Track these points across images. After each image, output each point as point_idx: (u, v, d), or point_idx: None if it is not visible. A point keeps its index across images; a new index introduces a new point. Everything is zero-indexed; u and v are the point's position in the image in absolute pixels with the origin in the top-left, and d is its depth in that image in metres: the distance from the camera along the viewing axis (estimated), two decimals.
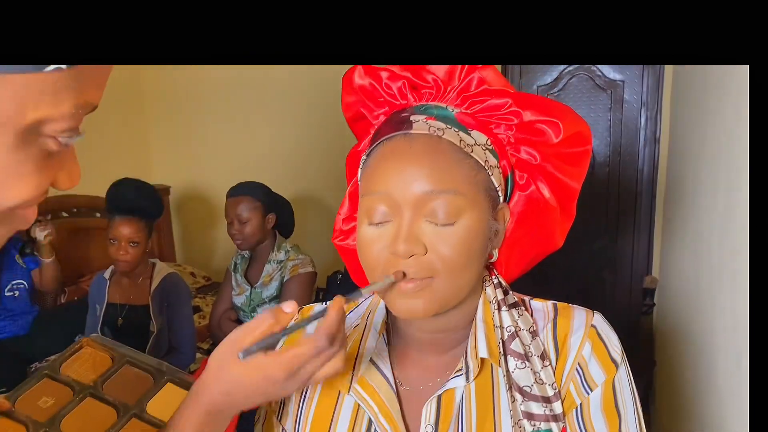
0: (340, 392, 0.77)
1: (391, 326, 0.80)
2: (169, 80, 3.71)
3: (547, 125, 0.70)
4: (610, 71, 2.99)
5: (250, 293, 2.30)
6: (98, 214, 3.14)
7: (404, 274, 0.66)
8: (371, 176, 0.70)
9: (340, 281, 2.75)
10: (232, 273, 2.39)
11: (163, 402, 0.82)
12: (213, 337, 2.51)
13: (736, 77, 1.60)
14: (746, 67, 1.46)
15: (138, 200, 2.14)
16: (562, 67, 3.04)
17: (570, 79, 3.05)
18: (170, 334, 2.18)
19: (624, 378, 0.71)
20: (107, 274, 2.24)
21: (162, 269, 2.26)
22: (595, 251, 3.05)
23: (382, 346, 0.78)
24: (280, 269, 2.30)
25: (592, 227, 3.02)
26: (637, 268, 3.06)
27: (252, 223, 2.24)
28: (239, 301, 2.33)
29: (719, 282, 1.67)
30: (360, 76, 0.76)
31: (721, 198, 1.67)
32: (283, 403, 0.81)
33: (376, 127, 0.76)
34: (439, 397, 0.72)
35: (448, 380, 0.72)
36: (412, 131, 0.69)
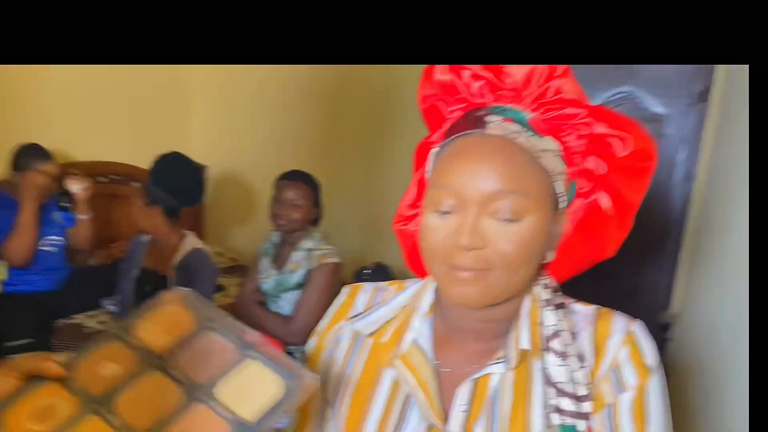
0: (381, 367, 0.81)
1: (437, 311, 0.84)
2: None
3: (617, 139, 0.74)
4: (654, 104, 3.01)
5: (277, 279, 2.35)
6: (135, 183, 3.21)
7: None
8: (443, 169, 0.74)
9: (367, 277, 2.79)
10: (262, 257, 2.44)
11: (239, 384, 0.68)
12: (238, 315, 2.56)
13: None
14: None
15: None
16: (606, 95, 3.06)
17: (614, 107, 3.06)
18: None
19: (656, 386, 0.73)
20: (144, 239, 2.30)
21: (190, 242, 2.29)
22: (614, 281, 3.05)
23: (427, 328, 0.82)
24: (307, 258, 2.35)
25: (617, 257, 3.02)
26: (656, 302, 3.06)
27: (303, 210, 2.31)
28: (266, 285, 2.38)
29: (742, 322, 1.69)
30: (442, 71, 0.80)
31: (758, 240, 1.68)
32: (325, 371, 0.85)
33: (450, 122, 0.80)
34: (475, 381, 0.76)
35: (486, 366, 0.76)
36: (487, 131, 0.72)
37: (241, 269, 3.55)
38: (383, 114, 3.52)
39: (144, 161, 3.18)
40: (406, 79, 3.29)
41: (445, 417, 0.76)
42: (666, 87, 2.98)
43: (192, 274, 2.20)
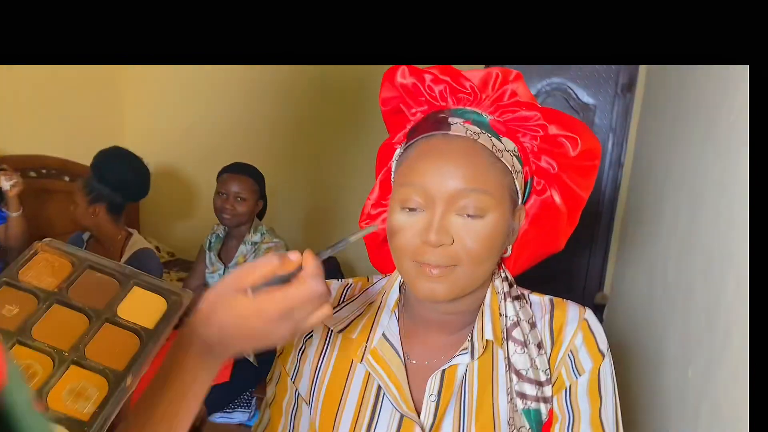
0: (353, 361, 0.84)
1: (403, 306, 0.87)
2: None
3: (568, 139, 0.79)
4: (584, 95, 3.15)
5: (224, 272, 2.34)
6: (67, 178, 3.09)
7: (377, 226, 0.73)
8: (409, 169, 0.77)
9: None
10: (207, 251, 2.42)
11: (133, 305, 0.78)
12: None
13: (704, 110, 1.74)
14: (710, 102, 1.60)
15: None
16: (540, 84, 3.18)
17: (546, 98, 3.18)
18: None
19: (608, 368, 0.80)
20: (85, 236, 2.23)
21: (137, 242, 2.25)
22: (550, 262, 3.20)
23: (394, 323, 0.85)
24: (254, 251, 2.34)
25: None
26: (589, 284, 3.22)
27: (247, 203, 2.29)
28: (212, 279, 2.36)
29: (672, 299, 1.82)
30: (403, 75, 0.83)
31: (683, 222, 1.81)
32: (297, 367, 0.87)
33: (412, 123, 0.84)
34: (444, 372, 0.80)
35: (453, 357, 0.80)
36: (450, 132, 0.76)
37: (179, 263, 3.49)
38: (331, 107, 3.53)
39: (77, 155, 3.08)
40: (354, 76, 3.33)
41: (417, 407, 0.80)
42: (594, 79, 3.13)
43: None
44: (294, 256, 0.65)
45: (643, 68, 3.01)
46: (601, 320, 2.60)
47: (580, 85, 3.15)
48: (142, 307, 0.79)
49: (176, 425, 0.64)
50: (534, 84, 3.19)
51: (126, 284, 0.82)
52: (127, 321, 0.76)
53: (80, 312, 0.77)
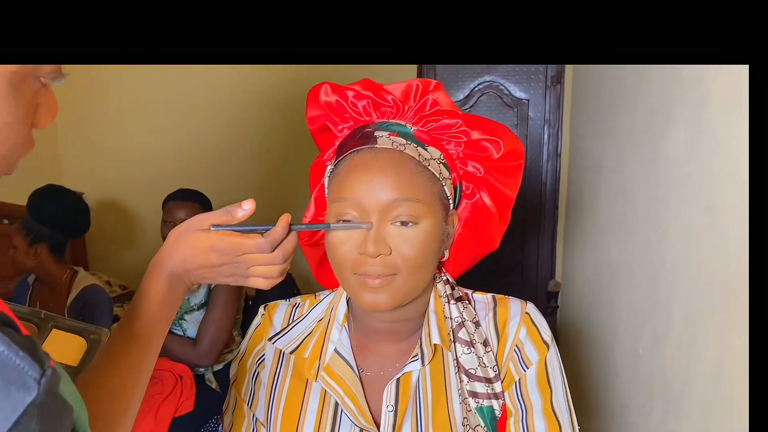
0: (308, 380, 0.85)
1: (351, 319, 0.89)
2: (77, 84, 3.59)
3: (490, 143, 0.82)
4: (516, 90, 3.23)
5: None
6: (6, 221, 2.98)
7: (371, 224, 0.76)
8: (341, 184, 0.79)
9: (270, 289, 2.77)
10: None
11: (53, 347, 0.82)
12: None
13: (625, 99, 1.82)
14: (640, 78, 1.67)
15: None
16: (473, 84, 3.25)
17: (480, 96, 3.25)
18: None
19: (554, 357, 0.83)
20: (30, 279, 2.19)
21: (83, 279, 2.22)
22: (503, 257, 3.26)
23: (345, 337, 0.87)
24: None
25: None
26: (541, 272, 3.30)
27: None
28: None
29: (617, 282, 1.88)
30: (326, 93, 0.85)
31: (620, 206, 1.88)
32: (253, 392, 0.88)
33: (340, 139, 0.85)
34: (398, 380, 0.82)
35: (406, 365, 0.82)
36: (377, 145, 0.78)
37: (132, 296, 3.41)
38: (281, 122, 3.51)
39: (13, 196, 2.97)
40: (292, 82, 3.32)
41: (375, 419, 0.81)
42: (523, 74, 3.22)
43: (88, 311, 2.13)
44: (247, 205, 0.74)
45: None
46: (556, 307, 2.65)
47: (511, 81, 3.23)
48: (63, 347, 0.82)
49: (151, 346, 0.73)
50: (468, 84, 3.25)
51: (44, 328, 0.84)
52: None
53: None
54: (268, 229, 0.73)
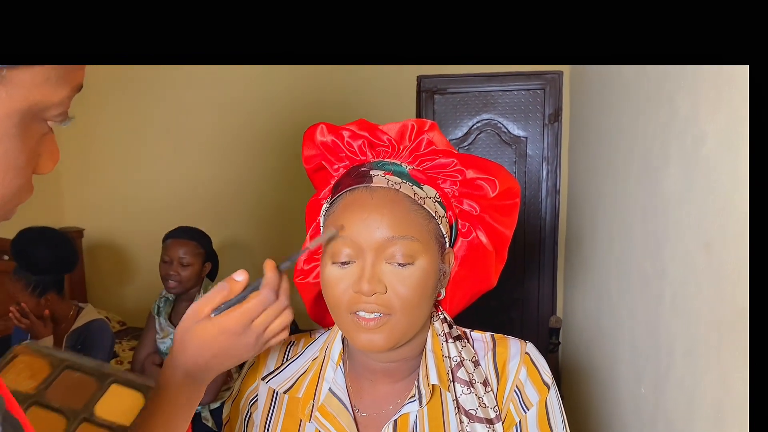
0: (301, 421, 0.83)
1: (347, 358, 0.87)
2: (79, 121, 3.63)
3: (486, 182, 0.82)
4: (514, 128, 3.26)
5: None
6: (6, 257, 2.98)
7: (343, 227, 0.76)
8: (336, 222, 0.79)
9: None
10: (156, 317, 2.36)
11: (110, 403, 0.81)
12: None
13: (625, 138, 1.83)
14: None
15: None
16: (471, 122, 3.28)
17: (479, 134, 3.28)
18: None
19: (554, 398, 0.82)
20: None
21: (89, 313, 2.26)
22: (504, 293, 3.25)
23: (340, 376, 0.85)
24: None
25: (503, 270, 3.22)
26: (542, 309, 3.28)
27: (193, 268, 2.25)
28: (165, 345, 2.30)
29: (618, 318, 1.87)
30: (322, 133, 0.85)
31: (618, 243, 1.88)
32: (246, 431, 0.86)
33: (336, 178, 0.86)
34: (395, 422, 0.80)
35: (403, 406, 0.81)
36: (373, 184, 0.78)
37: (131, 332, 3.39)
38: (279, 160, 3.53)
39: (13, 233, 2.97)
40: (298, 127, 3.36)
41: None
42: (521, 111, 3.25)
43: (87, 343, 2.15)
44: (240, 276, 0.74)
45: (566, 97, 3.14)
46: (557, 343, 2.64)
47: (509, 119, 3.26)
48: (119, 403, 0.82)
49: None
50: (466, 122, 3.28)
51: (104, 382, 0.85)
52: (104, 420, 0.80)
53: (58, 413, 0.79)
54: (259, 282, 0.73)
